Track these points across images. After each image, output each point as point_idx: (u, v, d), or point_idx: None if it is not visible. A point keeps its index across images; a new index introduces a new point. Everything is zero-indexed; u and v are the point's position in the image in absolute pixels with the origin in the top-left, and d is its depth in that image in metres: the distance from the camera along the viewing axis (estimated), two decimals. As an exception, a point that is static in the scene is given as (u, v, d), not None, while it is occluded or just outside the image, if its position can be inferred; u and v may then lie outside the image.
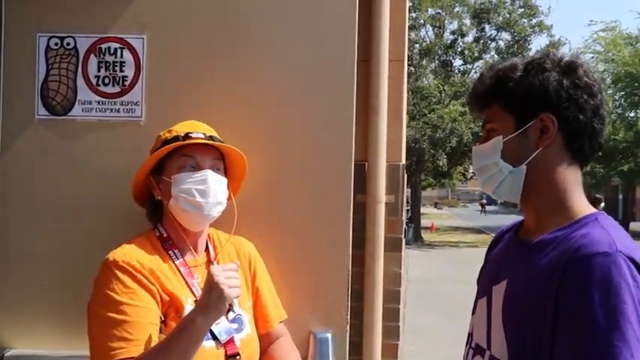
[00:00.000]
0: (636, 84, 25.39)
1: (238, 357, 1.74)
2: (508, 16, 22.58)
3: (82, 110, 2.17)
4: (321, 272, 2.17)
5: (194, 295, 1.74)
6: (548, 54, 1.38)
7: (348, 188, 2.18)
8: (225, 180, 1.85)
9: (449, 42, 23.16)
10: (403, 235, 2.63)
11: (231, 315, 1.77)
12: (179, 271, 1.78)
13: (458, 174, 29.12)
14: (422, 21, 22.38)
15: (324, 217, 2.17)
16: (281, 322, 1.99)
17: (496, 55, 22.84)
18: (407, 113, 3.23)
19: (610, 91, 27.07)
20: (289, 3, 2.20)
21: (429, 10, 22.45)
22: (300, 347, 2.04)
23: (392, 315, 2.56)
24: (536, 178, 1.34)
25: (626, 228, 25.52)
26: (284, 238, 2.16)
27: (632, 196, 33.94)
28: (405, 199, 2.64)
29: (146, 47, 2.17)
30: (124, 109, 2.17)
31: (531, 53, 20.36)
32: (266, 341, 1.93)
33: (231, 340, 1.75)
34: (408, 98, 4.25)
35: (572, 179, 1.34)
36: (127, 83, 2.17)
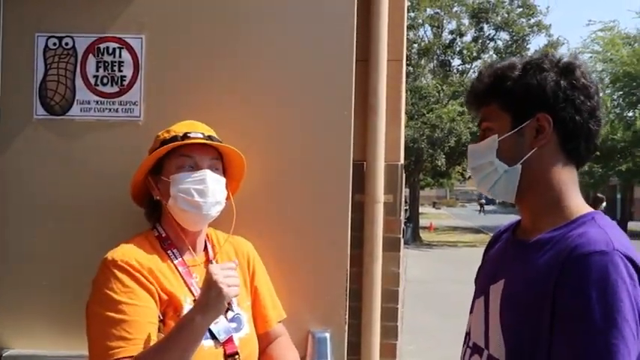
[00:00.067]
0: (634, 84, 25.42)
1: (237, 356, 1.75)
2: (506, 15, 22.58)
3: (81, 110, 2.17)
4: (320, 272, 2.17)
5: (193, 294, 1.74)
6: (547, 54, 1.39)
7: (346, 188, 2.19)
8: (223, 180, 1.86)
9: (447, 42, 23.16)
10: (401, 235, 2.63)
11: (230, 314, 1.77)
12: (178, 271, 1.78)
13: (456, 174, 29.13)
14: (420, 21, 22.38)
15: (323, 217, 2.17)
16: (280, 321, 1.99)
17: (494, 55, 22.83)
18: (405, 113, 3.23)
19: (608, 91, 27.11)
20: (288, 3, 2.20)
21: (428, 9, 22.45)
22: (298, 347, 2.04)
23: (390, 315, 2.56)
24: (532, 178, 1.35)
25: (625, 227, 25.55)
26: (282, 237, 2.16)
27: (631, 196, 33.97)
28: (403, 199, 2.64)
29: (145, 47, 2.17)
30: (122, 108, 2.17)
31: (530, 53, 20.38)
32: (265, 341, 1.93)
33: (230, 340, 1.75)
34: (406, 98, 4.24)
35: (567, 179, 1.35)
36: (125, 83, 2.17)
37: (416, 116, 20.54)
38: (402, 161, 2.63)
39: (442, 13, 22.86)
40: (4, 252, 2.17)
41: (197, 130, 1.85)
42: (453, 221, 38.25)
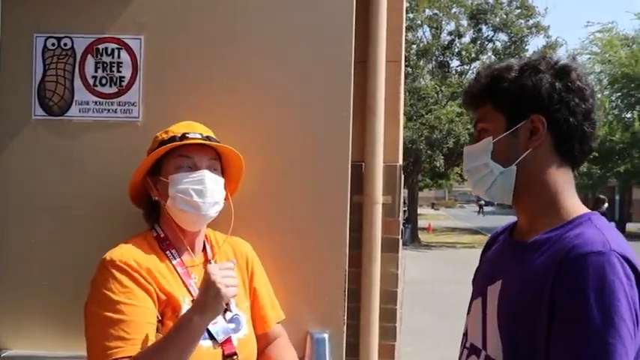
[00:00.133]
0: (632, 85, 25.46)
1: (235, 357, 1.75)
2: (505, 17, 22.58)
3: (79, 111, 2.17)
4: (319, 273, 2.17)
5: (191, 294, 1.74)
6: (545, 56, 1.40)
7: (345, 189, 2.19)
8: (222, 180, 1.86)
9: (446, 43, 23.15)
10: (400, 236, 2.63)
11: (228, 315, 1.77)
12: (176, 271, 1.78)
13: (455, 175, 29.13)
14: (419, 22, 22.38)
15: (321, 218, 2.17)
16: (279, 322, 1.99)
17: (493, 56, 22.83)
18: (404, 114, 3.23)
19: (607, 92, 27.15)
20: (287, 4, 2.20)
21: (427, 11, 22.45)
22: (297, 347, 2.04)
23: (389, 316, 2.56)
24: (527, 179, 1.36)
25: (623, 229, 25.57)
26: (281, 238, 2.16)
27: (629, 197, 34.00)
28: (402, 200, 2.64)
29: (143, 48, 2.17)
30: (121, 109, 2.17)
31: (528, 54, 20.40)
32: (264, 342, 1.93)
33: (228, 340, 1.75)
34: (405, 99, 4.25)
35: (563, 180, 1.35)
36: (124, 84, 2.17)
37: (414, 117, 20.54)
38: (400, 162, 2.63)
39: (441, 15, 22.86)
40: (2, 252, 2.17)
41: (195, 130, 1.85)
42: (452, 222, 38.25)
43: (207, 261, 1.87)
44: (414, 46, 21.81)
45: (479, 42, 23.23)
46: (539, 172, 1.35)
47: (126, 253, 1.73)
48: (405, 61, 2.95)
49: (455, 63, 23.64)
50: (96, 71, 2.17)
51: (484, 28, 23.10)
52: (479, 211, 49.02)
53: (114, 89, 2.17)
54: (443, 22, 23.13)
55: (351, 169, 2.21)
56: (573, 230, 1.27)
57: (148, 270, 1.71)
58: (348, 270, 2.19)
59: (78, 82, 2.17)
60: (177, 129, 1.85)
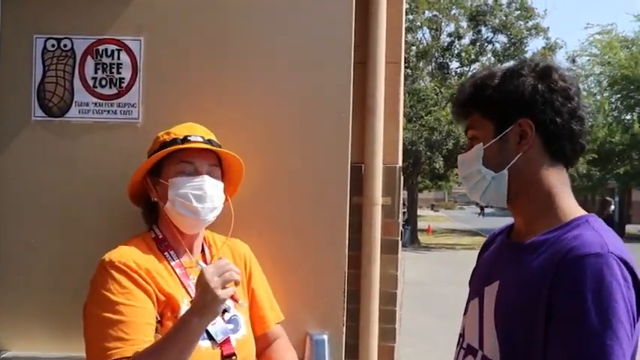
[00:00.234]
0: (632, 87, 25.49)
1: (234, 357, 1.75)
2: (504, 18, 22.57)
3: (79, 112, 2.17)
4: (318, 274, 2.17)
5: (190, 295, 1.74)
6: (526, 60, 1.42)
7: (344, 190, 2.19)
8: (221, 184, 1.86)
9: (445, 44, 23.14)
10: (400, 237, 2.63)
11: (227, 315, 1.78)
12: (175, 272, 1.78)
13: (454, 176, 29.11)
14: (419, 23, 22.37)
15: (321, 219, 2.17)
16: (278, 323, 1.99)
17: (492, 58, 22.83)
18: (403, 115, 3.24)
19: (606, 94, 27.19)
20: (286, 5, 2.20)
21: (426, 12, 22.45)
22: (296, 348, 2.04)
23: (388, 317, 2.55)
24: (522, 182, 1.37)
25: (622, 230, 25.58)
26: (280, 239, 2.16)
27: (629, 199, 34.00)
28: (401, 201, 2.64)
29: (143, 49, 2.17)
30: (120, 110, 2.17)
31: (528, 55, 20.42)
32: (263, 343, 1.93)
33: (227, 341, 1.75)
34: (404, 100, 4.24)
35: (557, 181, 1.36)
36: (124, 85, 2.17)
37: (414, 119, 20.53)
38: (400, 164, 2.63)
39: (440, 16, 22.86)
40: (2, 253, 2.16)
41: (197, 133, 1.85)
42: (451, 224, 38.24)
43: (205, 262, 1.87)
44: (414, 48, 21.80)
45: (478, 43, 23.23)
46: (533, 174, 1.36)
47: (125, 254, 1.73)
48: (405, 62, 2.95)
49: (454, 64, 23.65)
50: (96, 72, 2.17)
51: (483, 29, 23.09)
52: (480, 213, 48.99)
53: (114, 90, 2.17)
54: (442, 24, 23.12)
55: (350, 171, 2.21)
56: (571, 232, 1.27)
57: (147, 271, 1.71)
58: (347, 271, 2.19)
59: (78, 84, 2.17)
60: (179, 131, 1.85)
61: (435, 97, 21.20)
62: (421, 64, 22.25)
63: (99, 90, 2.17)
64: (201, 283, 1.58)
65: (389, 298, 2.56)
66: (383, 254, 2.50)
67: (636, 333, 1.20)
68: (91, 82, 2.17)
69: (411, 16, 21.25)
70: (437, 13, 22.79)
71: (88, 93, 2.17)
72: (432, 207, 61.45)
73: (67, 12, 2.18)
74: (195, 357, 1.62)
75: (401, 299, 3.05)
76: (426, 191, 43.51)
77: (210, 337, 1.72)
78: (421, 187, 32.10)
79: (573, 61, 27.87)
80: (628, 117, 27.09)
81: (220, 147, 1.88)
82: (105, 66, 2.17)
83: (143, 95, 2.17)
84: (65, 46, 2.18)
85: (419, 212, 29.07)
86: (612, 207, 14.76)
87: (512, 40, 22.81)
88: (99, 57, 2.17)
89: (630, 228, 29.12)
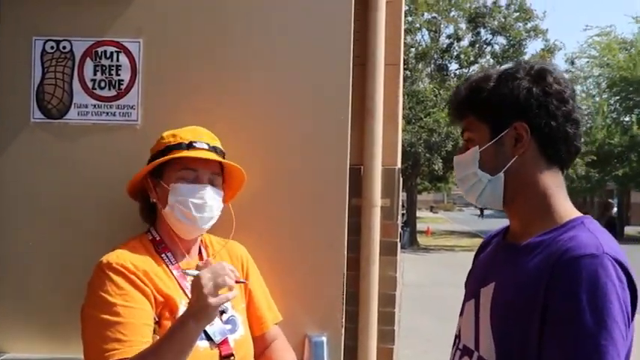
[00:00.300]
0: (631, 88, 25.52)
1: (232, 358, 1.75)
2: (503, 20, 22.57)
3: (78, 114, 2.17)
4: (317, 275, 2.17)
5: (187, 296, 1.74)
6: (521, 63, 1.42)
7: (343, 192, 2.19)
8: (221, 193, 1.87)
9: (445, 46, 23.14)
10: (399, 239, 2.63)
11: (225, 316, 1.78)
12: (172, 274, 1.78)
13: (453, 178, 29.06)
14: (418, 25, 22.36)
15: (320, 221, 2.17)
16: (276, 323, 1.99)
17: (491, 60, 22.83)
18: (403, 117, 3.24)
19: (605, 96, 27.20)
20: (285, 7, 2.21)
21: (425, 14, 22.45)
22: (295, 350, 2.04)
23: (387, 319, 2.55)
24: (518, 185, 1.37)
25: (621, 232, 25.58)
26: (280, 240, 2.16)
27: (627, 201, 34.04)
28: (400, 203, 2.64)
29: (142, 51, 2.17)
30: (119, 112, 2.17)
31: (527, 57, 20.42)
32: (261, 344, 1.93)
33: (225, 341, 1.76)
34: (403, 102, 4.25)
35: (553, 183, 1.37)
36: (123, 87, 2.17)
37: (413, 120, 20.52)
38: (399, 165, 2.63)
39: (439, 18, 22.86)
40: (0, 255, 2.16)
41: (203, 139, 1.85)
42: (451, 225, 38.25)
43: (206, 263, 1.86)
44: (413, 50, 21.79)
45: (477, 45, 23.22)
46: (529, 177, 1.36)
47: (122, 255, 1.73)
48: (404, 64, 2.95)
49: (454, 66, 23.64)
50: (95, 74, 2.17)
51: (483, 31, 23.09)
52: (480, 215, 48.99)
53: (113, 92, 2.17)
54: (441, 26, 23.13)
55: (349, 172, 2.21)
56: (567, 233, 1.28)
57: (144, 272, 1.72)
58: (346, 273, 2.19)
59: (77, 85, 2.17)
60: (185, 135, 1.85)
61: (434, 98, 21.18)
62: (420, 66, 22.23)
63: (98, 92, 2.17)
64: (197, 288, 1.56)
65: (388, 300, 2.56)
66: (382, 256, 2.49)
67: (631, 333, 1.21)
68: (90, 84, 2.17)
69: (410, 18, 21.25)
70: (436, 15, 22.79)
71: (87, 95, 2.17)
72: (431, 209, 61.47)
73: (66, 14, 2.19)
74: (193, 357, 1.61)
75: (400, 301, 3.05)
76: (425, 193, 43.43)
77: (209, 338, 1.72)
78: (420, 189, 32.07)
79: (572, 62, 27.93)
80: (627, 119, 27.12)
81: (224, 154, 1.89)
82: (104, 68, 2.17)
83: (142, 97, 2.17)
84: (64, 48, 2.18)
85: (418, 214, 29.04)
86: (615, 209, 14.75)
87: (512, 42, 22.81)
88: (98, 59, 2.17)
89: (629, 229, 29.13)
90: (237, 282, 1.65)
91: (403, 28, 2.72)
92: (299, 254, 2.17)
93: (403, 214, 19.67)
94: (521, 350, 1.24)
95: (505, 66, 1.48)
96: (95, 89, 2.17)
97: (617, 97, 27.16)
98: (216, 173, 1.86)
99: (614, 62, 26.19)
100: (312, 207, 2.18)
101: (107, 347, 1.60)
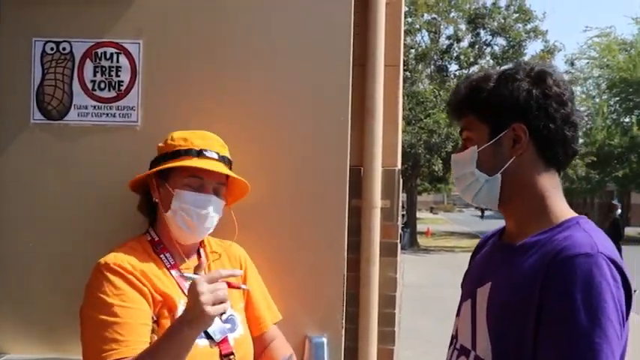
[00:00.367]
0: (631, 89, 25.54)
1: (232, 356, 1.75)
2: (503, 21, 22.59)
3: (78, 115, 2.17)
4: (317, 276, 2.17)
5: (186, 295, 1.73)
6: (521, 64, 1.42)
7: (343, 193, 2.19)
8: (223, 203, 1.87)
9: (444, 47, 23.15)
10: (399, 240, 2.63)
11: (224, 315, 1.77)
12: (170, 274, 1.79)
13: (453, 179, 29.08)
14: (418, 26, 22.37)
15: (320, 222, 2.17)
16: (276, 323, 1.99)
17: (491, 60, 22.84)
18: (402, 118, 3.24)
19: (605, 97, 27.22)
20: (285, 8, 2.21)
21: (425, 15, 22.46)
22: (295, 351, 2.03)
23: (388, 320, 2.55)
24: (514, 186, 1.38)
25: (621, 233, 25.54)
26: (279, 242, 2.16)
27: (627, 202, 34.06)
28: (400, 204, 2.64)
29: (142, 52, 2.17)
30: (119, 113, 2.17)
31: (526, 58, 20.42)
32: (260, 344, 1.93)
33: (225, 340, 1.76)
34: (403, 103, 4.25)
35: (549, 185, 1.37)
36: (122, 88, 2.17)
37: (413, 121, 20.53)
38: (399, 166, 2.63)
39: (439, 19, 22.87)
40: (0, 256, 2.16)
41: (213, 148, 1.85)
42: (451, 226, 38.24)
43: (199, 265, 1.85)
44: (413, 51, 21.80)
45: (477, 46, 23.23)
46: (526, 178, 1.37)
47: (120, 256, 1.74)
48: (404, 65, 2.95)
49: (453, 67, 23.63)
50: (94, 75, 2.17)
51: (482, 32, 23.10)
52: (481, 216, 48.97)
53: (112, 93, 2.17)
54: (441, 27, 23.14)
55: (349, 173, 2.21)
56: (562, 233, 1.29)
57: (142, 272, 1.72)
58: (346, 274, 2.19)
59: (76, 87, 2.17)
60: (196, 141, 1.84)
61: (434, 99, 21.18)
62: (420, 67, 22.24)
63: (98, 93, 2.17)
64: (193, 294, 1.54)
65: (388, 301, 2.55)
66: (382, 257, 2.49)
67: (625, 332, 1.21)
68: (89, 85, 2.17)
69: (409, 19, 21.27)
70: (436, 16, 22.80)
71: (86, 96, 2.17)
72: (431, 209, 61.46)
73: (66, 15, 2.19)
74: (193, 356, 1.61)
75: (400, 302, 3.05)
76: (425, 194, 43.41)
77: (208, 336, 1.72)
78: (420, 190, 32.08)
79: (572, 63, 27.95)
80: (627, 120, 27.15)
81: (232, 163, 1.89)
82: (104, 69, 2.17)
83: (142, 98, 2.17)
84: (64, 49, 2.18)
85: (418, 215, 29.03)
86: (619, 211, 14.69)
87: (511, 43, 22.81)
88: (98, 60, 2.17)
89: (629, 230, 29.11)
90: (235, 287, 1.65)
91: (403, 29, 2.72)
92: (299, 255, 2.17)
93: (403, 215, 19.68)
94: (517, 350, 1.25)
95: (505, 67, 1.48)
96: (95, 90, 2.17)
97: (617, 98, 27.18)
98: (222, 183, 1.87)
99: (613, 63, 26.21)
100: (312, 208, 2.17)
101: (105, 347, 1.60)
